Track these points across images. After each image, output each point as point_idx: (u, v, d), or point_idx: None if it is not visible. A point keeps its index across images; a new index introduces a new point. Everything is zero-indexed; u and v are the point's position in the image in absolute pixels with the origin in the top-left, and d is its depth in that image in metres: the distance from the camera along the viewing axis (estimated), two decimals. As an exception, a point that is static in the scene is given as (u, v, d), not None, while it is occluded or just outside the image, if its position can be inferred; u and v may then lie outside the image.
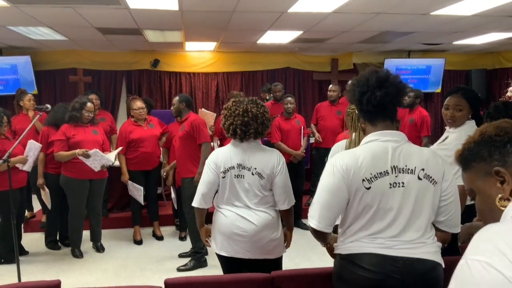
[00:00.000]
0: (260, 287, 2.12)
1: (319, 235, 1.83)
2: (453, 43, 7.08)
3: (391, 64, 8.06)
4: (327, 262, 2.11)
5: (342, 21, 5.25)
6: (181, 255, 4.48)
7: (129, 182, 4.72)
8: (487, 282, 0.81)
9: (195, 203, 2.52)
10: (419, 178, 1.72)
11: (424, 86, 8.06)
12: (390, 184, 1.71)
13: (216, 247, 2.54)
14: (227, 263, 2.56)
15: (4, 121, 4.11)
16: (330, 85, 6.10)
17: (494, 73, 8.54)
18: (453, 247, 2.42)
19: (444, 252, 2.21)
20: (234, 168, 2.46)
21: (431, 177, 1.73)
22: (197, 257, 4.21)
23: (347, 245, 1.79)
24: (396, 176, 1.72)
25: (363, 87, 1.76)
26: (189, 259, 4.24)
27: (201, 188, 2.50)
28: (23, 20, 5.03)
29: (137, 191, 4.73)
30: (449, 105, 2.64)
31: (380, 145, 1.75)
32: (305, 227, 5.03)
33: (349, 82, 1.90)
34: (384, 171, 1.71)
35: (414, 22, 5.33)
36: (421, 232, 1.73)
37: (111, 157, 4.41)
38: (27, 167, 4.16)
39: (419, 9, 4.69)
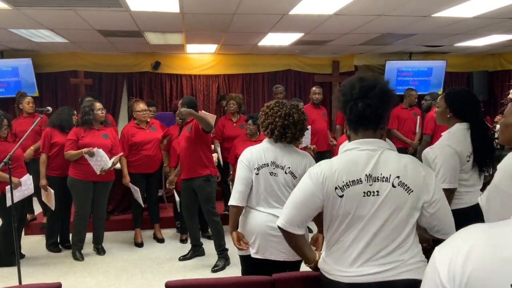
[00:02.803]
0: (261, 290, 2.10)
1: (286, 236, 1.84)
2: (455, 45, 7.07)
3: (393, 66, 8.05)
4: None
5: (343, 23, 5.25)
6: (182, 258, 4.47)
7: (130, 184, 4.72)
8: None
9: (233, 201, 2.46)
10: (394, 186, 1.68)
11: (425, 88, 8.05)
12: (364, 193, 1.68)
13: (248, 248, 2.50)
14: (252, 266, 2.49)
15: (4, 124, 4.11)
16: (313, 88, 5.90)
17: (495, 75, 8.52)
18: None
19: None
20: (268, 165, 2.45)
21: (406, 185, 1.68)
22: (224, 254, 4.20)
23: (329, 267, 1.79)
24: (370, 185, 1.68)
25: (346, 96, 1.74)
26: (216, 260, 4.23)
27: (237, 186, 2.47)
28: (25, 22, 5.04)
29: (136, 193, 4.75)
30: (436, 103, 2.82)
31: (356, 154, 1.72)
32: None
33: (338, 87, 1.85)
34: (357, 180, 1.68)
35: (415, 24, 5.33)
36: (399, 242, 1.68)
37: (109, 162, 4.41)
38: (17, 197, 3.85)
39: (420, 11, 4.68)
